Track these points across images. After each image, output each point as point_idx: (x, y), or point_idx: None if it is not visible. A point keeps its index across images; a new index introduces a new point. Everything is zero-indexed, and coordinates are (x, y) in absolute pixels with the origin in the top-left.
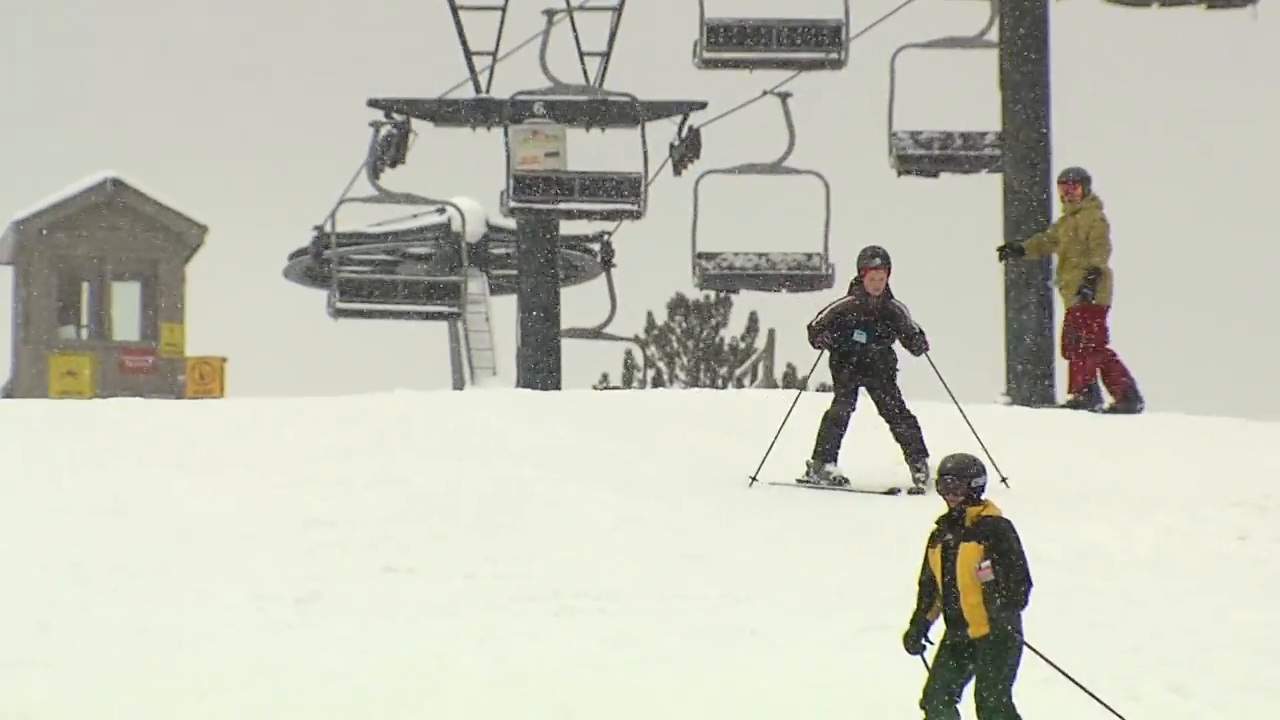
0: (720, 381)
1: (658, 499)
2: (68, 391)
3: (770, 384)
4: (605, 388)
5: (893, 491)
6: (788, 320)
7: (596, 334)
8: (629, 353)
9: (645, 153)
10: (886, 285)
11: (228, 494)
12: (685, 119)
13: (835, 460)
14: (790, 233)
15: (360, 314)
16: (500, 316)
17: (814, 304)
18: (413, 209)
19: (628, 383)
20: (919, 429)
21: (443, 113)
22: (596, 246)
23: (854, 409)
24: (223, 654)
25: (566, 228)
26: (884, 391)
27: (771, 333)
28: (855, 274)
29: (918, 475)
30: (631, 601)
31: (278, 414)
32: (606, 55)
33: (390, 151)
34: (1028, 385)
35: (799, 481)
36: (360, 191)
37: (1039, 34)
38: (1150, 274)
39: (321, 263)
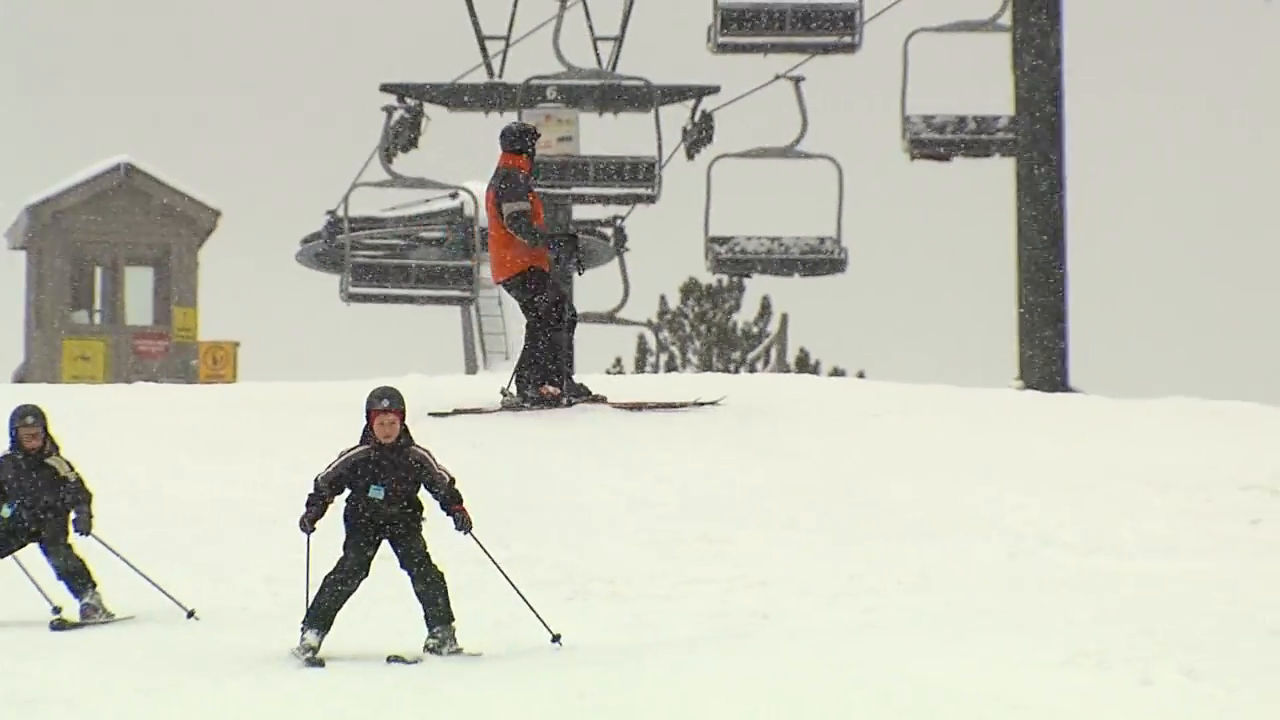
0: (733, 366)
1: (671, 483)
2: (80, 376)
3: (783, 368)
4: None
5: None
6: (801, 305)
7: (609, 319)
8: (642, 337)
9: (659, 137)
10: (404, 429)
11: (239, 480)
12: (698, 103)
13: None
14: (803, 217)
15: (373, 298)
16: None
17: (827, 289)
18: (425, 193)
19: (640, 367)
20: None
21: (455, 97)
22: (609, 231)
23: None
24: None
25: (579, 212)
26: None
27: (785, 317)
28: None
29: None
30: (644, 586)
31: (290, 399)
32: (619, 39)
33: (403, 136)
34: (1040, 370)
35: None
36: (373, 176)
37: (1052, 18)
38: (1164, 259)
39: (334, 247)
